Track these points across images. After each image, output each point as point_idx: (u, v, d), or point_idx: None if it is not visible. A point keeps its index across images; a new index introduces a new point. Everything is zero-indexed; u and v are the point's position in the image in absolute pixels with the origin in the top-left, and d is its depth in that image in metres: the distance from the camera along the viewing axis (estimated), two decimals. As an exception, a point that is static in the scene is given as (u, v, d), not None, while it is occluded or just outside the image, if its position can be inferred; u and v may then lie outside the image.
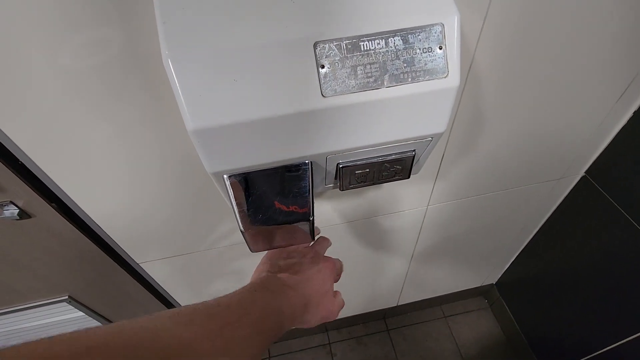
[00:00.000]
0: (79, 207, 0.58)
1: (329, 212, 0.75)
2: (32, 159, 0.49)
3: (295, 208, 0.38)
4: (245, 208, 0.37)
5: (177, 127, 0.49)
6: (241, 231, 0.39)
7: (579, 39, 0.53)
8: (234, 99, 0.31)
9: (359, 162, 0.40)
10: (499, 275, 1.37)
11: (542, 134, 0.70)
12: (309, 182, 0.37)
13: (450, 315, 1.47)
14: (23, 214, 0.60)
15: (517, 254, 1.22)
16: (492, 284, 1.42)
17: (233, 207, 0.37)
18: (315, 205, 0.40)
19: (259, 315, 0.31)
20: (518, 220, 1.02)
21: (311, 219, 0.39)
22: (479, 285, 1.40)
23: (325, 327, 1.42)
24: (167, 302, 0.93)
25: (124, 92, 0.44)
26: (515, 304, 1.33)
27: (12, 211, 0.58)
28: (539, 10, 0.48)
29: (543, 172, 0.83)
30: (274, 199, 0.38)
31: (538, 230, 1.08)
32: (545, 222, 1.04)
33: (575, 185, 0.90)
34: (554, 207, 0.99)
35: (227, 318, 0.29)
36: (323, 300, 0.39)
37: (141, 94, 0.44)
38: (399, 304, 1.36)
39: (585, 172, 0.86)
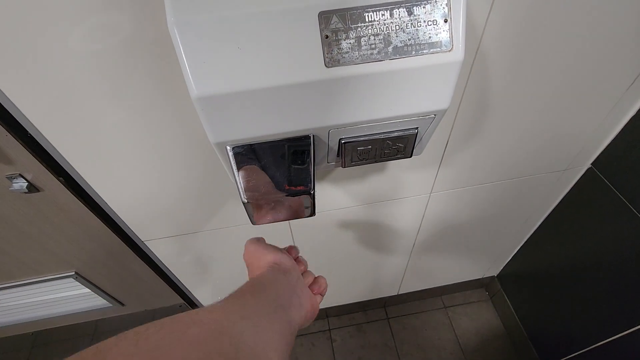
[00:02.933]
0: (86, 182, 0.59)
1: (331, 196, 0.76)
2: (41, 131, 0.50)
3: (297, 181, 0.39)
4: (247, 180, 0.38)
5: (185, 108, 0.50)
6: (243, 203, 0.40)
7: (588, 28, 0.52)
8: (238, 67, 0.31)
9: (361, 139, 0.40)
10: (501, 268, 1.37)
11: (548, 123, 0.69)
12: (311, 155, 0.38)
13: (451, 306, 1.47)
14: (32, 188, 0.61)
15: (519, 247, 1.21)
16: (494, 276, 1.42)
17: (236, 179, 0.38)
18: (317, 190, 0.41)
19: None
20: (522, 212, 1.01)
21: (312, 192, 0.40)
22: (480, 277, 1.40)
23: (326, 314, 1.43)
24: (170, 281, 0.95)
25: (135, 72, 0.44)
26: (516, 297, 1.33)
27: (21, 184, 0.59)
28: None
29: (549, 162, 0.82)
30: (276, 171, 0.38)
31: (542, 223, 1.08)
32: (549, 214, 1.04)
33: (581, 177, 0.89)
34: (559, 199, 0.98)
35: None
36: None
37: (151, 74, 0.45)
38: (399, 293, 1.37)
39: (591, 164, 0.85)
